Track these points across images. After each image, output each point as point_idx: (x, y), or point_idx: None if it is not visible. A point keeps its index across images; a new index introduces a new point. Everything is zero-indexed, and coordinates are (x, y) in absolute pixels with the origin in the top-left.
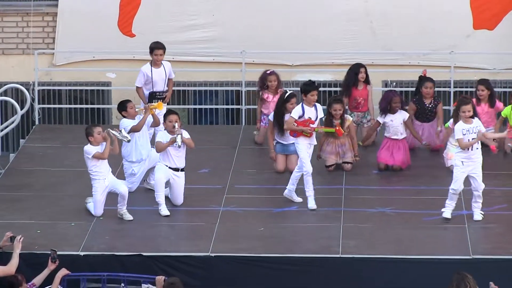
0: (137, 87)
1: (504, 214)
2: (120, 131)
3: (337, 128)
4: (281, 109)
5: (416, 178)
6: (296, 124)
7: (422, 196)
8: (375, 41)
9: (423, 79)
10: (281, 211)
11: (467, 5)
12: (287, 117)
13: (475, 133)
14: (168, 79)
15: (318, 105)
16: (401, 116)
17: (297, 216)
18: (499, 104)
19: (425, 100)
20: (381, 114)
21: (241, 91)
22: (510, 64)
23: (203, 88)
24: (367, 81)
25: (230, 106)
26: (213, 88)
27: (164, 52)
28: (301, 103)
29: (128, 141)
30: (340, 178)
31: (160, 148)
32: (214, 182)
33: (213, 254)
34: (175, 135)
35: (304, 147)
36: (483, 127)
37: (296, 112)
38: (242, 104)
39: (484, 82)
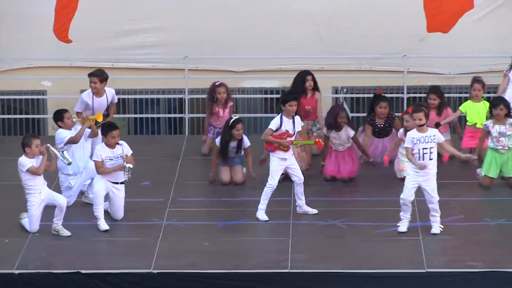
0: (76, 112)
1: (461, 225)
2: (62, 152)
3: (317, 140)
4: (227, 136)
5: (368, 189)
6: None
7: (374, 208)
8: (324, 45)
9: (377, 97)
10: (227, 225)
11: (421, 8)
12: (233, 144)
13: (427, 142)
14: (111, 103)
15: (297, 117)
16: (346, 133)
17: (244, 229)
18: (449, 112)
19: (378, 120)
20: (327, 130)
21: (184, 99)
22: (466, 69)
23: (144, 96)
24: (315, 88)
25: (172, 115)
26: (155, 96)
27: (103, 81)
28: (280, 114)
29: (69, 163)
30: (289, 189)
31: (102, 172)
32: (156, 195)
33: (155, 271)
34: (125, 171)
35: (277, 161)
36: (441, 135)
37: (274, 123)
38: (185, 113)
39: (436, 90)
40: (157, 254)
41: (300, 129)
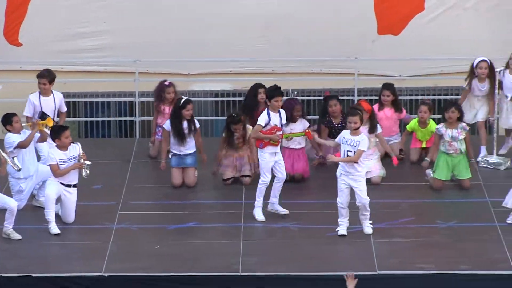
0: (26, 117)
1: (412, 227)
2: (13, 158)
3: (307, 131)
4: (178, 116)
5: (320, 191)
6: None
7: (326, 210)
8: (276, 48)
9: (327, 98)
10: (178, 228)
11: (371, 10)
12: (184, 124)
13: (352, 146)
14: (60, 112)
15: (282, 111)
16: (302, 125)
17: (195, 232)
18: (404, 112)
19: (334, 120)
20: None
21: (135, 102)
22: (416, 71)
23: (94, 99)
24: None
25: (123, 118)
26: (105, 99)
27: (51, 81)
28: (266, 110)
29: (19, 170)
30: (240, 192)
31: (60, 174)
32: (107, 198)
33: (106, 274)
34: (84, 168)
35: (267, 157)
36: (365, 145)
37: (262, 119)
38: (135, 116)
39: (389, 87)
40: (108, 257)
41: (285, 121)
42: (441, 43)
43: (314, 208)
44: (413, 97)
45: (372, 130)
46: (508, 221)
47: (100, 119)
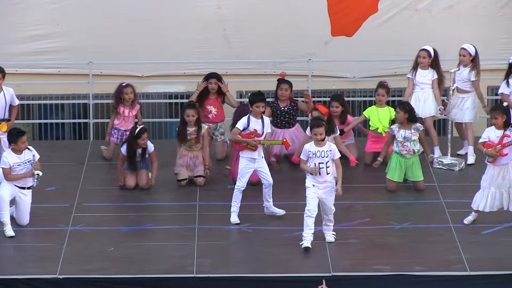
0: None
1: (366, 229)
2: None
3: (284, 140)
4: (133, 145)
5: (275, 193)
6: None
7: None
8: (230, 50)
9: (280, 81)
10: (132, 230)
11: (325, 12)
12: (138, 151)
13: (324, 157)
14: (12, 106)
15: (266, 118)
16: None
17: (149, 234)
18: (350, 119)
19: (280, 103)
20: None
21: (89, 104)
22: (370, 72)
23: (48, 102)
24: (220, 92)
25: (77, 120)
26: (59, 102)
27: (3, 76)
28: (248, 115)
29: None
30: (194, 194)
31: (11, 179)
32: (61, 200)
33: (61, 276)
34: (34, 177)
35: (245, 162)
36: (338, 151)
37: (240, 123)
38: (89, 118)
39: (338, 98)
40: (63, 260)
41: (269, 130)
42: (394, 44)
43: None
44: (367, 99)
45: (330, 132)
46: (465, 222)
47: (54, 121)
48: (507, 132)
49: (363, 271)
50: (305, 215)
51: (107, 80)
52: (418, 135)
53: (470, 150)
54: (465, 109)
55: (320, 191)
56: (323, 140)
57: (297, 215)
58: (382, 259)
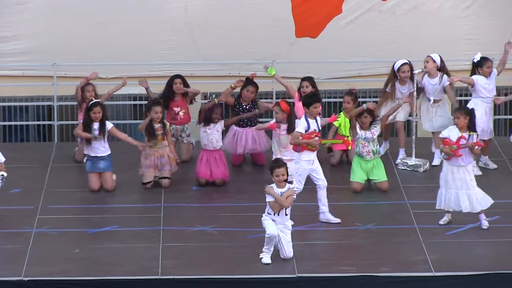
0: None
1: (332, 230)
2: None
3: (345, 139)
4: (87, 118)
5: (239, 194)
6: (301, 138)
7: (245, 213)
8: (196, 51)
9: (248, 82)
10: (97, 232)
11: (290, 13)
12: (95, 125)
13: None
14: None
15: (318, 118)
16: (220, 125)
17: (114, 236)
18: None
19: (243, 101)
20: (203, 124)
21: (53, 106)
22: (335, 74)
23: (12, 104)
24: (185, 93)
25: (41, 122)
26: (23, 104)
27: None
28: (304, 116)
29: None
30: (159, 195)
31: None
32: (26, 202)
33: (26, 278)
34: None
35: (304, 165)
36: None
37: (302, 126)
38: (54, 120)
39: (308, 78)
40: (28, 262)
41: (324, 122)
42: (359, 46)
43: (233, 211)
44: (331, 100)
45: (289, 131)
46: (440, 222)
47: (18, 123)
48: (465, 135)
49: (328, 272)
50: (267, 236)
51: (72, 82)
52: (378, 130)
53: (437, 152)
54: (439, 116)
55: (277, 227)
56: (285, 180)
57: (260, 216)
58: (347, 260)
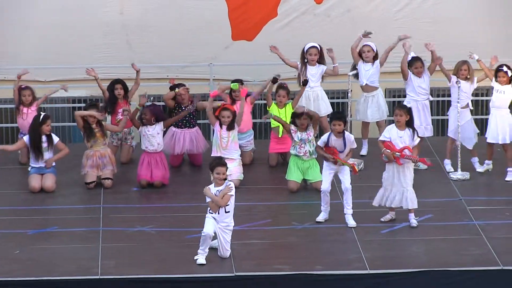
0: None
1: (268, 229)
2: None
3: (353, 165)
4: (37, 131)
5: (177, 195)
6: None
7: (183, 214)
8: (132, 54)
9: (174, 87)
10: (38, 233)
11: (226, 17)
12: (44, 138)
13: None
14: None
15: (348, 136)
16: (160, 127)
17: (54, 237)
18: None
19: (182, 105)
20: (141, 124)
21: None
22: (269, 76)
23: None
24: (126, 97)
25: None
26: None
27: None
28: (329, 132)
29: None
30: (98, 196)
31: None
32: None
33: None
34: None
35: (325, 167)
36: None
37: (321, 140)
38: None
39: (239, 80)
40: None
41: (354, 146)
42: (294, 48)
43: (171, 212)
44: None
45: (230, 128)
46: (382, 220)
47: None
48: (410, 145)
49: (265, 270)
50: (202, 235)
51: (11, 86)
52: (313, 132)
53: (364, 142)
54: (378, 106)
55: (218, 225)
56: (224, 179)
57: (200, 216)
58: (284, 258)
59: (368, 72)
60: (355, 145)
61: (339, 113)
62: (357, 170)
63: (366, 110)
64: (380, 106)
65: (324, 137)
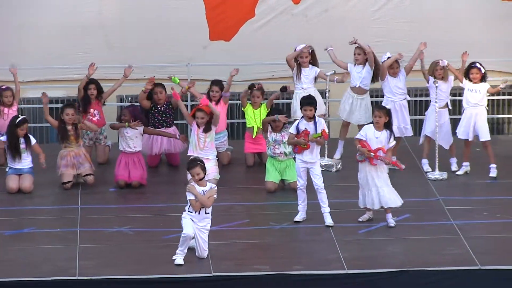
0: None
1: (246, 229)
2: None
3: (323, 130)
4: (14, 133)
5: (155, 195)
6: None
7: (161, 214)
8: (111, 54)
9: (155, 85)
10: (15, 234)
11: (203, 17)
12: (22, 140)
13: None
14: None
15: (319, 120)
16: (139, 130)
17: (31, 238)
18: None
19: (158, 105)
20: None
21: None
22: (248, 76)
23: None
24: (99, 97)
25: None
26: None
27: None
28: (301, 118)
29: None
30: (76, 197)
31: None
32: None
33: None
34: None
35: (298, 162)
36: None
37: (292, 127)
38: None
39: (218, 83)
40: None
41: (324, 128)
42: (272, 48)
43: (149, 212)
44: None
45: (206, 130)
46: (360, 220)
47: None
48: (385, 147)
49: (243, 271)
50: (182, 236)
51: None
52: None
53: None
54: (366, 109)
55: (195, 225)
56: (202, 179)
57: (177, 217)
58: (262, 259)
59: (360, 74)
60: (324, 127)
61: (310, 98)
62: (327, 134)
63: (354, 111)
64: (368, 109)
65: (294, 125)
